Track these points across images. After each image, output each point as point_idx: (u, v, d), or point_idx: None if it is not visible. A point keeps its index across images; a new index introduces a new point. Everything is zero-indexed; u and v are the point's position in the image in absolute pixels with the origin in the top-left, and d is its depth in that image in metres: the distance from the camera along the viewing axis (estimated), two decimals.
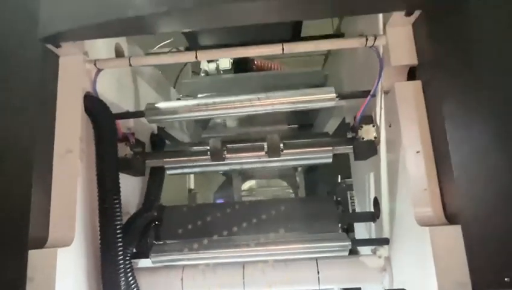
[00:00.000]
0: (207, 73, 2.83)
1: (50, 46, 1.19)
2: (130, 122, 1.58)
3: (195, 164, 1.56)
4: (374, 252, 1.38)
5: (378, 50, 1.25)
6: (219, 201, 2.95)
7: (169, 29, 1.22)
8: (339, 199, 1.53)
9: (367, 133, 1.36)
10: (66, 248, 1.08)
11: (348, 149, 1.48)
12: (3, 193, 1.07)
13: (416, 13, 1.13)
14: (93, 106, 1.26)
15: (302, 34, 1.83)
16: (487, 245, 0.96)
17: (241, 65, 2.74)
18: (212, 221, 1.48)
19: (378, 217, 1.41)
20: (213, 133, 2.37)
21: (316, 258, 1.38)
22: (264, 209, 1.49)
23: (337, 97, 1.37)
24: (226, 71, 2.78)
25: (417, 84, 1.15)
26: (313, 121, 2.55)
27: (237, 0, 1.03)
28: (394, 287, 1.29)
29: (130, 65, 1.28)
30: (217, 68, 2.80)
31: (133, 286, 1.29)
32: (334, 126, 2.08)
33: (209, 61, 2.72)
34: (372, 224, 1.50)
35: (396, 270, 1.28)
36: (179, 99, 2.44)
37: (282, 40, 1.25)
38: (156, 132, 1.90)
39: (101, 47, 1.40)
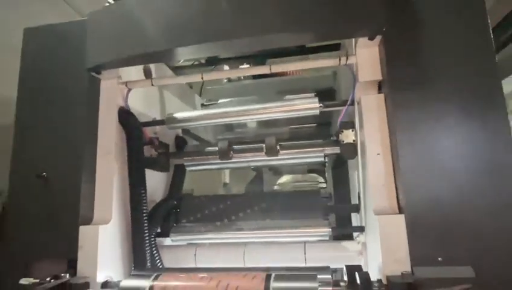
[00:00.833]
0: (229, 79, 3.16)
1: (93, 74, 1.57)
2: (157, 127, 1.94)
3: (209, 162, 1.89)
4: (355, 238, 1.62)
5: (352, 67, 1.48)
6: None
7: (180, 58, 1.54)
8: (330, 193, 1.78)
9: (346, 136, 1.60)
10: (105, 225, 1.46)
11: (336, 150, 1.72)
12: (61, 186, 1.47)
13: (379, 37, 1.35)
14: (125, 118, 1.62)
15: None
16: (425, 232, 1.17)
17: None
18: (221, 209, 1.80)
19: (360, 209, 1.64)
20: (230, 133, 2.69)
21: (304, 242, 1.65)
22: (264, 201, 1.78)
23: (320, 106, 1.61)
24: (246, 77, 3.08)
25: (380, 97, 1.37)
26: (330, 119, 2.74)
27: (231, 36, 1.33)
28: (368, 268, 1.51)
29: (152, 85, 1.63)
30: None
31: (156, 258, 1.65)
32: None
33: None
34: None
35: (369, 253, 1.51)
36: (203, 104, 2.80)
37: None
38: (180, 134, 2.26)
39: (132, 70, 1.77)
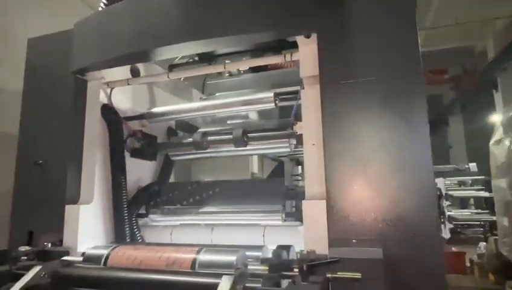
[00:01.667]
0: (230, 74, 3.32)
1: (79, 76, 1.83)
2: (144, 121, 2.18)
3: (186, 152, 2.10)
4: None
5: (298, 64, 1.58)
6: None
7: (161, 58, 1.73)
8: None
9: (299, 128, 1.70)
10: (87, 205, 1.73)
11: (293, 141, 1.83)
12: (54, 171, 1.76)
13: (315, 35, 1.44)
14: (107, 114, 1.87)
15: None
16: (342, 216, 1.27)
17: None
18: (196, 194, 2.00)
19: None
20: (221, 124, 2.87)
21: (265, 226, 1.80)
22: (234, 187, 1.95)
23: (275, 100, 1.73)
24: (245, 71, 3.22)
25: (316, 90, 1.46)
26: None
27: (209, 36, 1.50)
28: None
29: (128, 84, 1.86)
30: (238, 69, 3.26)
31: (137, 234, 1.90)
32: None
33: None
34: None
35: None
36: (201, 99, 3.00)
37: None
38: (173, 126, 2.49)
39: (117, 70, 2.00)
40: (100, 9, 2.00)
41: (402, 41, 1.32)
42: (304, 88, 1.53)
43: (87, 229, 1.72)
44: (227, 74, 3.37)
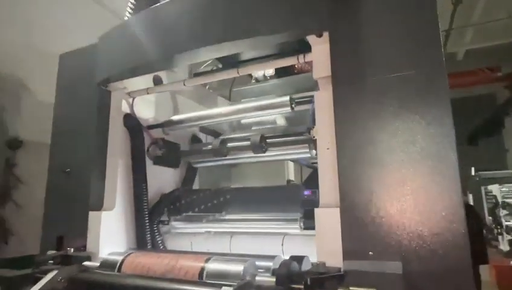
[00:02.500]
0: (257, 80, 3.30)
1: (102, 87, 1.90)
2: (167, 129, 2.21)
3: (206, 159, 2.09)
4: None
5: (312, 65, 1.51)
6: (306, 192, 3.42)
7: (179, 64, 1.75)
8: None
9: (315, 132, 1.62)
10: (109, 212, 1.78)
11: (313, 147, 1.75)
12: (79, 179, 1.83)
13: (327, 35, 1.36)
14: (129, 123, 1.92)
15: None
16: (358, 226, 1.17)
17: (283, 70, 3.11)
18: (217, 202, 1.98)
19: None
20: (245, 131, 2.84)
21: (284, 234, 1.73)
22: (254, 194, 1.91)
23: (291, 104, 1.67)
24: (271, 77, 3.19)
25: (329, 92, 1.38)
26: None
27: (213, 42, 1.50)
28: None
29: (148, 93, 1.90)
30: (264, 75, 3.24)
31: (159, 241, 1.92)
32: None
33: None
34: None
35: None
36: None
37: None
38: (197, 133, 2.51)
39: (139, 80, 2.06)
40: (126, 18, 2.07)
41: (421, 36, 1.20)
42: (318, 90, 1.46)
43: (109, 235, 1.76)
44: (253, 80, 3.37)
